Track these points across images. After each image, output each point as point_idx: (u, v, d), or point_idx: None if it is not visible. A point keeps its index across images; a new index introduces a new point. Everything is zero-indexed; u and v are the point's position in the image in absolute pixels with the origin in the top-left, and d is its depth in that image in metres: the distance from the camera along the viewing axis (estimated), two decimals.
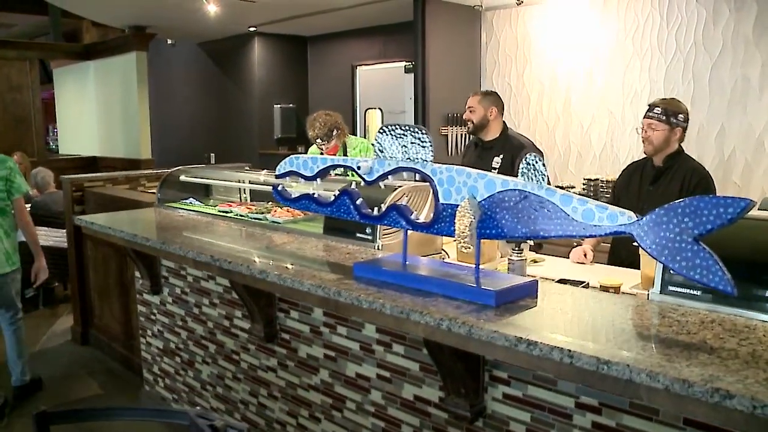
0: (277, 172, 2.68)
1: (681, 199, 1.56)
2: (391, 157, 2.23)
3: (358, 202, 2.37)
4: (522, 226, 1.85)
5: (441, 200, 2.06)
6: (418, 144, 2.15)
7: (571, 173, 6.15)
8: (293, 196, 2.64)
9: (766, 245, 1.90)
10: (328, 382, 2.66)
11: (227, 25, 8.04)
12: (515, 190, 1.86)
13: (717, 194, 3.34)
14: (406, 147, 2.18)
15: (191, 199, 4.16)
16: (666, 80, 5.47)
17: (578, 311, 1.89)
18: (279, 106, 8.62)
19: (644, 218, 1.61)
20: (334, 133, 4.46)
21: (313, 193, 2.57)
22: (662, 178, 3.33)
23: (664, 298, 1.90)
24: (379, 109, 8.00)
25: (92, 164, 9.04)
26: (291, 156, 2.64)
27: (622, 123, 5.76)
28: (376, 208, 2.34)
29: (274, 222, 3.34)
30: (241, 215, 3.58)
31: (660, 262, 1.60)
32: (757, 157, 5.04)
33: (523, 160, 1.83)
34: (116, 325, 4.77)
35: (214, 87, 9.44)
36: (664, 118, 3.27)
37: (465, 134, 6.52)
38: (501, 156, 3.92)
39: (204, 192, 4.34)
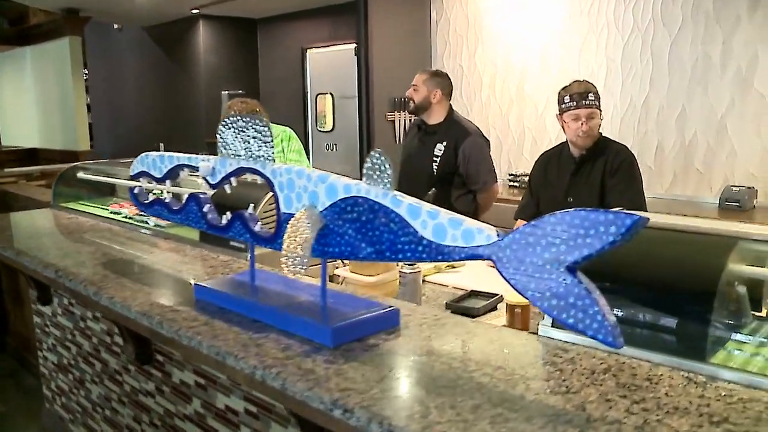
0: (131, 172, 2.26)
1: (551, 214, 1.14)
2: (234, 155, 1.80)
3: (204, 209, 1.94)
4: (367, 245, 1.43)
5: (282, 209, 1.63)
6: (260, 138, 1.72)
7: (526, 160, 5.73)
8: (149, 199, 2.22)
9: (684, 263, 1.48)
10: (201, 413, 2.26)
11: (166, 7, 7.55)
12: (358, 197, 1.43)
13: (640, 179, 3.03)
14: (248, 143, 1.75)
15: (92, 197, 3.76)
16: (623, 59, 5.06)
17: (437, 355, 1.45)
18: (227, 92, 8.14)
19: (506, 238, 1.19)
20: None
21: (164, 197, 2.15)
22: (584, 167, 3.00)
23: (556, 334, 1.48)
24: (331, 94, 7.54)
25: (33, 156, 8.55)
26: (142, 154, 2.22)
27: None
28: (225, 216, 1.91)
29: (157, 226, 2.92)
30: (129, 218, 3.19)
31: (525, 298, 1.18)
32: (719, 141, 4.64)
33: (369, 158, 1.40)
34: (27, 332, 4.35)
35: (162, 74, 8.94)
36: (597, 103, 2.91)
37: (411, 119, 6.08)
38: (444, 143, 3.65)
39: (109, 190, 3.91)
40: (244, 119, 1.75)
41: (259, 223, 1.77)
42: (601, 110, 2.96)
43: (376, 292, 2.30)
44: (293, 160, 4.16)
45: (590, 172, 2.97)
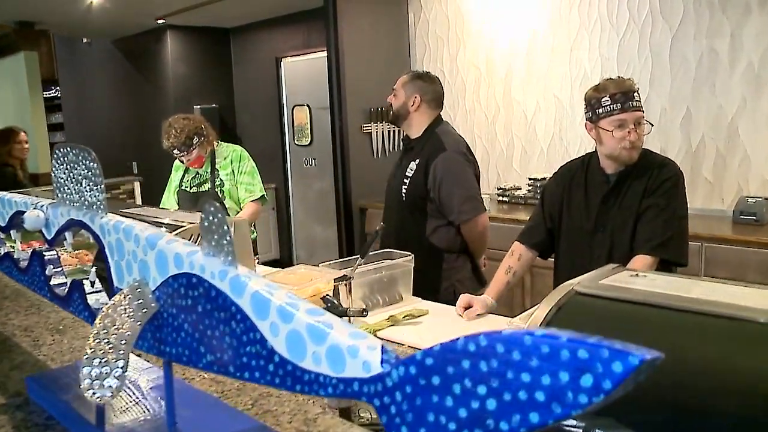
0: None
1: (468, 337, 0.60)
2: (69, 200, 1.28)
3: (47, 271, 1.43)
4: (206, 350, 0.91)
5: (115, 282, 1.11)
6: (91, 179, 1.20)
7: (515, 172, 5.21)
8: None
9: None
10: None
11: (129, 19, 7.05)
12: (192, 275, 0.91)
13: (684, 202, 2.32)
14: (80, 183, 1.23)
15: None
16: (620, 57, 4.54)
17: None
18: (199, 107, 7.63)
19: (398, 368, 0.65)
20: (195, 140, 3.52)
21: (13, 253, 1.63)
22: (620, 188, 2.33)
23: None
24: (308, 105, 7.03)
25: None
26: None
27: (571, 111, 4.82)
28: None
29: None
30: None
31: None
32: (730, 146, 4.11)
33: (206, 208, 0.88)
34: None
35: (132, 89, 8.44)
36: (642, 105, 2.28)
37: (395, 131, 5.57)
38: (417, 161, 2.94)
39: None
40: (74, 151, 1.23)
41: (96, 296, 1.25)
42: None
43: None
44: (245, 183, 3.64)
45: (626, 194, 2.31)
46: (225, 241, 0.86)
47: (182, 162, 3.65)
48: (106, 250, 1.12)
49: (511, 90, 5.14)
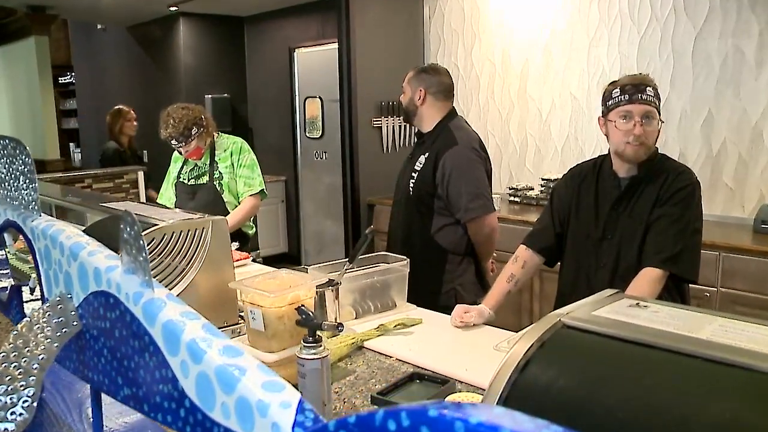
0: None
1: (389, 412, 0.46)
2: (9, 197, 1.15)
3: None
4: (123, 380, 0.78)
5: (45, 294, 0.98)
6: (27, 175, 1.07)
7: (528, 171, 5.04)
8: None
9: None
10: None
11: (142, 5, 6.95)
12: (110, 294, 0.78)
13: (699, 214, 2.15)
14: (18, 180, 1.11)
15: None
16: (640, 55, 4.35)
17: None
18: (211, 96, 7.51)
19: None
20: (194, 131, 3.40)
21: None
22: (632, 193, 2.18)
23: None
24: (320, 97, 6.89)
25: None
26: None
27: (588, 110, 4.65)
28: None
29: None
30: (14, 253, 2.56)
31: None
32: (754, 151, 3.92)
33: (123, 217, 0.75)
34: None
35: (145, 76, 8.35)
36: (657, 102, 2.11)
37: (403, 126, 5.43)
38: (426, 155, 2.84)
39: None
40: (12, 144, 1.10)
41: (34, 305, 1.12)
42: (661, 117, 2.16)
43: (281, 372, 1.63)
44: (244, 177, 3.52)
45: (639, 200, 2.16)
46: (142, 258, 0.73)
47: (180, 153, 3.53)
48: (37, 257, 1.00)
49: (527, 87, 4.97)
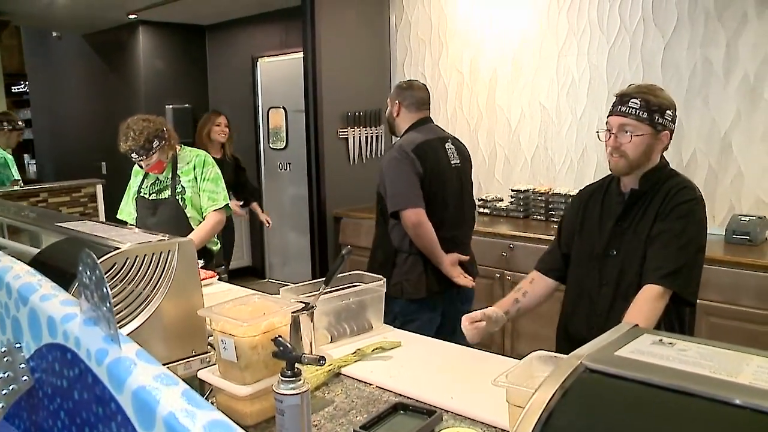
0: None
1: None
2: None
3: None
4: None
5: None
6: None
7: (498, 182, 4.99)
8: None
9: None
10: None
11: (99, 13, 6.75)
12: (67, 348, 0.66)
13: (701, 232, 2.09)
14: None
15: None
16: (609, 64, 4.34)
17: None
18: (171, 106, 7.33)
19: None
20: (155, 144, 3.25)
21: None
22: (635, 208, 2.13)
23: None
24: (284, 107, 6.76)
25: None
26: None
27: (557, 120, 4.61)
28: None
29: None
30: None
31: None
32: (723, 161, 3.92)
33: (82, 258, 0.63)
34: None
35: (103, 86, 8.11)
36: (645, 115, 2.04)
37: (373, 136, 5.35)
38: None
39: None
40: None
41: None
42: (663, 130, 2.07)
43: (253, 408, 1.53)
44: (208, 191, 3.38)
45: (641, 216, 2.11)
46: (105, 307, 0.61)
47: (141, 167, 3.38)
48: None
49: (495, 96, 4.92)
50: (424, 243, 3.00)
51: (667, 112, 2.09)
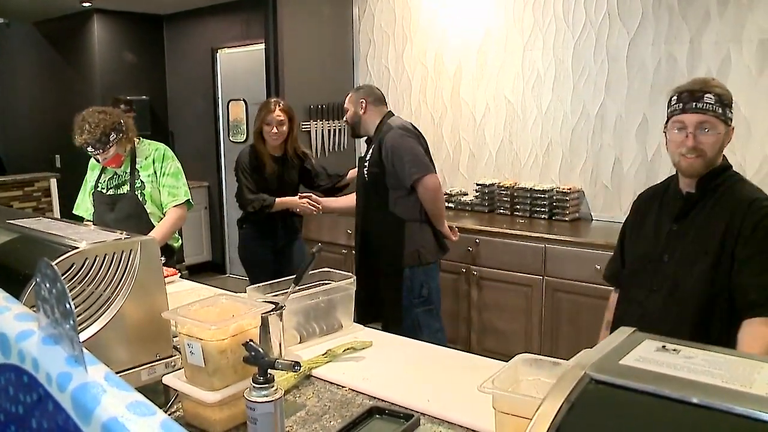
0: None
1: None
2: None
3: None
4: None
5: None
6: None
7: (462, 177, 4.96)
8: None
9: None
10: None
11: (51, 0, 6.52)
12: (21, 369, 0.58)
13: None
14: None
15: None
16: (574, 59, 4.33)
17: None
18: (129, 98, 7.13)
19: None
20: (112, 137, 3.13)
21: None
22: (694, 211, 2.00)
23: None
24: (244, 100, 6.63)
25: None
26: None
27: (522, 114, 4.60)
28: None
29: None
30: None
31: None
32: None
33: (41, 268, 0.55)
34: None
35: (56, 76, 7.87)
36: (720, 110, 1.91)
37: (335, 129, 5.27)
38: (373, 146, 3.37)
39: None
40: None
41: None
42: (729, 123, 1.95)
43: (222, 415, 1.46)
44: (168, 186, 3.27)
45: (705, 219, 1.97)
46: (68, 324, 0.54)
47: (98, 161, 3.25)
48: None
49: (460, 90, 4.89)
50: (440, 205, 3.34)
51: (731, 106, 1.98)
